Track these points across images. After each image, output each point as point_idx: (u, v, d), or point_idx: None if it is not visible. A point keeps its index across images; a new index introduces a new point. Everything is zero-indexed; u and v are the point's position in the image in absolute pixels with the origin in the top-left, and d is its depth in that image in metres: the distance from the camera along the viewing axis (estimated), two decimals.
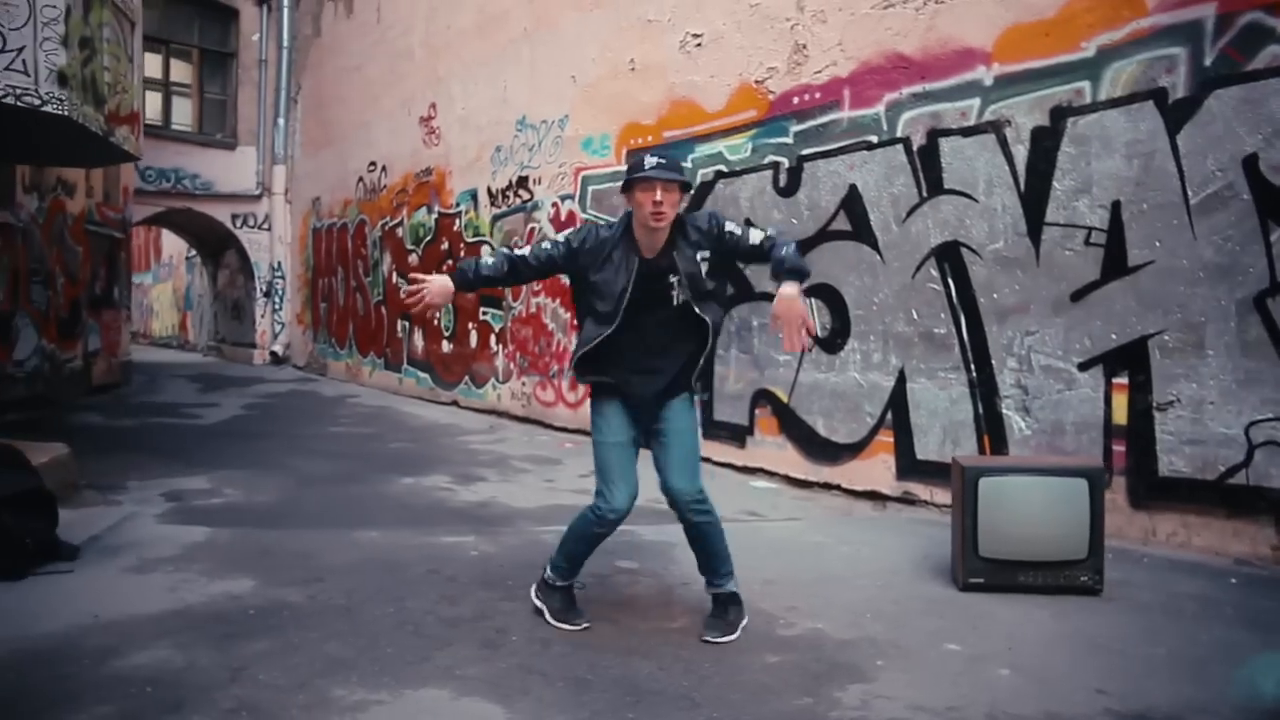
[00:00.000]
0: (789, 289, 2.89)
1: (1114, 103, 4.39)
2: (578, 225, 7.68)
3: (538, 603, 3.31)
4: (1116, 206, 4.39)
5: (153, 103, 14.26)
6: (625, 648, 3.02)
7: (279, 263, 14.92)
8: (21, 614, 3.19)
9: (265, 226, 14.81)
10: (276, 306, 15.02)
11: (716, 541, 3.21)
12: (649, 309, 3.01)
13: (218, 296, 17.13)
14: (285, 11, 14.42)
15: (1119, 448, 4.40)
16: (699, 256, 3.00)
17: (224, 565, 3.86)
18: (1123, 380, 4.40)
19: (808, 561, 4.19)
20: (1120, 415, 4.41)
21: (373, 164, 12.21)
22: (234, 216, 14.59)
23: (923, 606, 3.49)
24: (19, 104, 3.72)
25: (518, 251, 3.16)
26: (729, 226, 3.05)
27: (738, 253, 3.11)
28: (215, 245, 16.20)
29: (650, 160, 2.95)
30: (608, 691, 2.65)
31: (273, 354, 15.05)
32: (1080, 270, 4.53)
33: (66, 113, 3.86)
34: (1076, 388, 4.56)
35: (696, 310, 3.01)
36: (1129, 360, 4.37)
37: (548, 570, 3.33)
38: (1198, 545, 4.17)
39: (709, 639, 3.08)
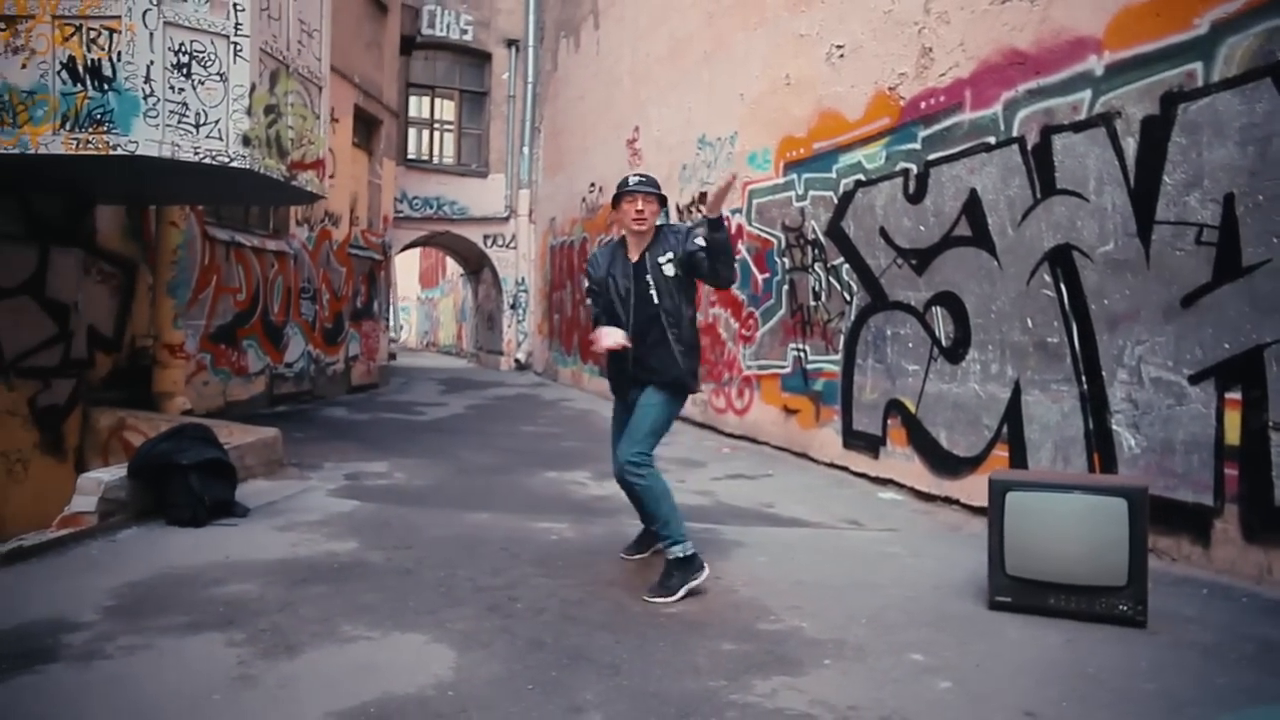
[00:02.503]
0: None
1: (1227, 84, 3.93)
2: (744, 243, 8.00)
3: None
4: (1229, 200, 3.92)
5: (423, 140, 16.50)
6: (603, 623, 3.33)
7: (523, 278, 16.53)
8: (183, 550, 4.15)
9: (512, 245, 16.48)
10: (520, 318, 16.64)
11: (650, 505, 3.72)
12: (643, 307, 3.66)
13: (477, 309, 19.28)
14: (531, 51, 16.01)
15: (1231, 471, 3.92)
16: (664, 258, 3.70)
17: (345, 531, 4.66)
18: (1235, 395, 3.91)
19: (858, 570, 4.18)
20: (1233, 435, 3.92)
21: (592, 185, 13.23)
22: (485, 237, 16.41)
23: (928, 619, 3.43)
24: (214, 163, 4.78)
25: (596, 311, 3.89)
26: (698, 241, 3.61)
27: (698, 271, 3.69)
28: (474, 263, 18.27)
29: (633, 178, 3.71)
30: (552, 654, 2.99)
31: (517, 361, 16.68)
32: (1191, 272, 4.08)
33: (249, 166, 4.87)
34: (1187, 403, 4.11)
35: (654, 299, 3.64)
36: (1243, 372, 3.87)
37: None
38: None
39: (645, 598, 3.56)
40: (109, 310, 6.86)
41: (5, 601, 3.35)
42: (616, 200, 3.74)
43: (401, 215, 14.90)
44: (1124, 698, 2.70)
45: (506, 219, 16.42)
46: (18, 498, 5.79)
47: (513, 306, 16.67)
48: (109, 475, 4.54)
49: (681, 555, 3.64)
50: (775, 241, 7.82)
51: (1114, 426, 4.47)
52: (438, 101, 16.39)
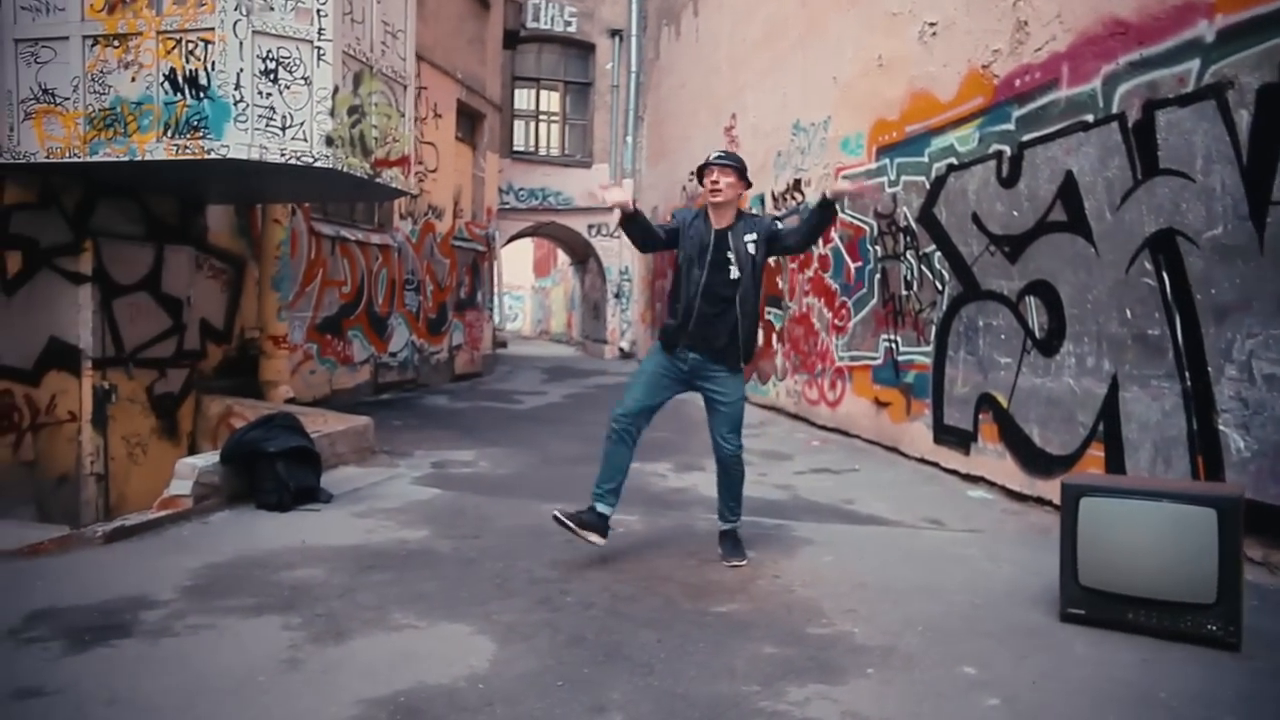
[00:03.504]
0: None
1: None
2: (837, 231, 7.81)
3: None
4: None
5: (528, 132, 16.80)
6: (649, 620, 3.31)
7: (626, 267, 16.62)
8: (265, 534, 4.38)
9: (616, 235, 16.56)
10: (624, 306, 16.75)
11: (740, 485, 4.17)
12: (716, 273, 3.83)
13: (584, 298, 19.53)
14: (634, 40, 16.02)
15: None
16: (747, 238, 3.93)
17: (420, 519, 4.81)
18: None
19: (927, 573, 4.00)
20: None
21: (692, 173, 13.11)
22: (589, 227, 16.57)
23: (990, 629, 3.25)
24: (299, 163, 5.00)
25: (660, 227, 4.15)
26: (781, 226, 4.06)
27: (777, 242, 4.05)
28: (581, 253, 18.50)
29: (714, 154, 4.07)
30: (590, 651, 2.99)
31: (621, 349, 16.81)
32: None
33: (331, 165, 5.07)
34: None
35: (731, 272, 3.84)
36: None
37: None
38: None
39: (731, 564, 3.99)
40: (219, 304, 7.31)
41: (99, 577, 3.62)
42: (700, 177, 4.02)
43: (507, 206, 15.22)
44: None
45: (609, 208, 16.48)
46: (138, 478, 6.25)
47: (616, 295, 16.80)
48: (203, 461, 4.84)
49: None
50: (867, 229, 7.56)
51: (1221, 427, 4.10)
52: (543, 93, 16.64)
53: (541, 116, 16.76)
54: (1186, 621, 3.08)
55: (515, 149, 15.95)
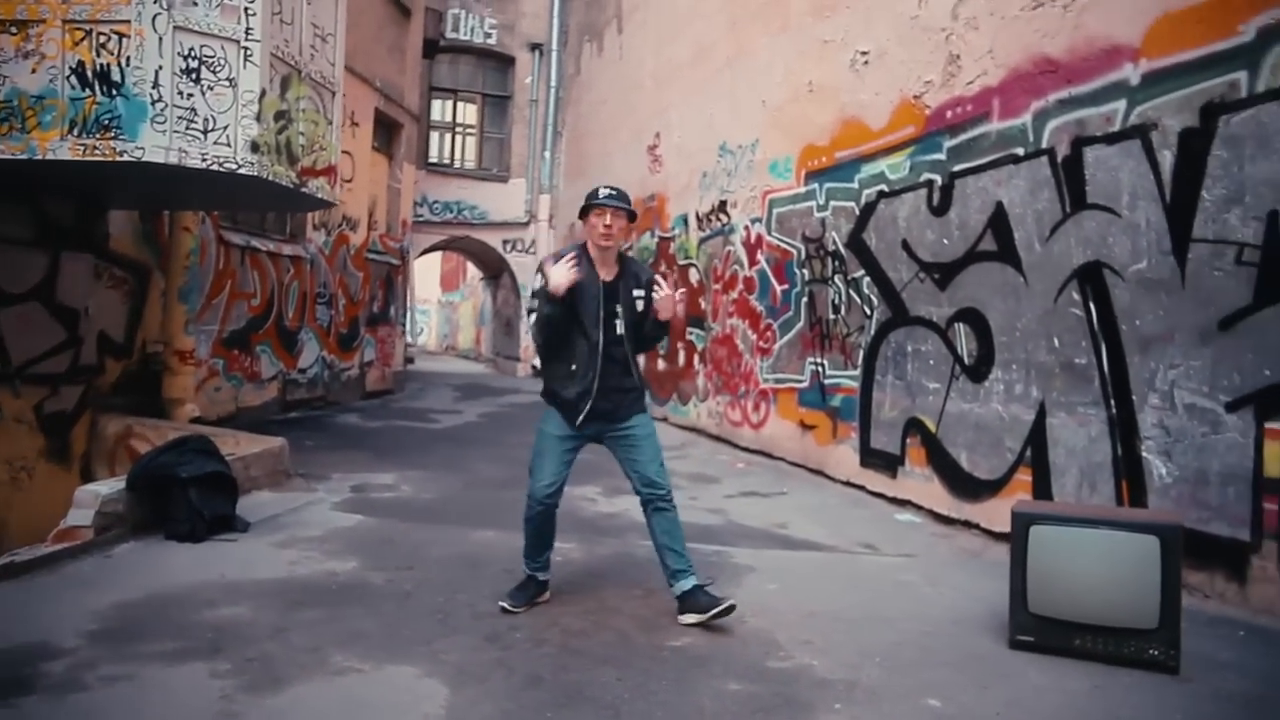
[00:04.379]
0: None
1: (1273, 94, 3.73)
2: (764, 253, 7.82)
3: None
4: (1273, 218, 3.72)
5: (444, 144, 16.47)
6: (606, 657, 3.19)
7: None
8: (180, 567, 4.05)
9: (531, 250, 16.39)
10: None
11: (679, 528, 3.69)
12: (610, 331, 3.46)
13: (496, 314, 19.21)
14: (554, 55, 15.92)
15: (1271, 506, 3.71)
16: (637, 292, 3.55)
17: (346, 549, 4.55)
18: (1276, 425, 3.70)
19: (873, 600, 4.01)
20: (1273, 467, 3.71)
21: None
22: (504, 242, 16.32)
23: (946, 659, 3.26)
24: (220, 169, 4.70)
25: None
26: (656, 291, 3.55)
27: (642, 320, 3.58)
28: (494, 268, 18.21)
29: (604, 191, 3.55)
30: (549, 692, 2.85)
31: (533, 367, 16.57)
32: (1230, 293, 3.88)
33: (257, 173, 4.78)
34: (1223, 431, 3.90)
35: (618, 328, 3.49)
36: None
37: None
38: None
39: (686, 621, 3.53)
40: (120, 316, 6.82)
41: None
42: (584, 212, 3.55)
43: (421, 219, 14.85)
44: None
45: (526, 224, 16.33)
46: (22, 506, 5.74)
47: (530, 312, 16.56)
48: (107, 488, 4.46)
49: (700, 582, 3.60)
50: (795, 252, 7.65)
51: (1144, 454, 4.27)
52: (460, 105, 16.35)
53: (459, 129, 16.46)
54: (1130, 646, 3.16)
55: (431, 161, 15.59)
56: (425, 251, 16.36)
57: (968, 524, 5.42)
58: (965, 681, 3.03)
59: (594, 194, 3.54)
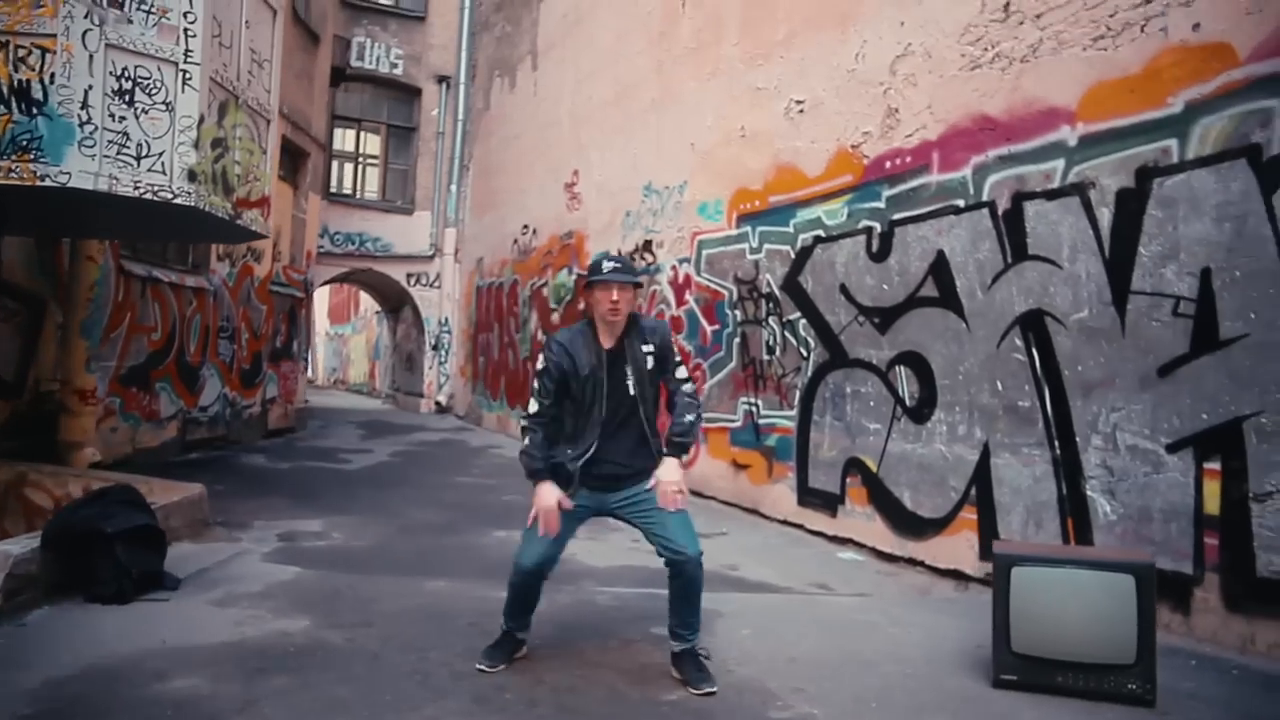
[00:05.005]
0: (671, 468, 3.38)
1: (1203, 161, 4.05)
2: (692, 294, 7.96)
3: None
4: (1206, 274, 4.02)
5: (347, 174, 15.99)
6: (604, 715, 3.08)
7: (446, 318, 16.09)
8: (111, 634, 3.68)
9: (436, 285, 16.05)
10: (442, 359, 16.17)
11: (699, 595, 3.49)
12: (616, 397, 3.32)
13: (396, 348, 18.67)
14: (462, 88, 15.76)
15: (1211, 541, 3.96)
16: (646, 348, 3.40)
17: (293, 605, 4.25)
18: (1215, 465, 3.97)
19: (846, 642, 4.05)
20: (1213, 504, 3.97)
21: (525, 227, 13.00)
22: (409, 275, 15.93)
23: (938, 701, 3.30)
24: (155, 198, 4.38)
25: (534, 409, 3.41)
26: (673, 346, 3.51)
27: (665, 373, 3.47)
28: (395, 301, 17.72)
29: (608, 264, 3.36)
30: None
31: (438, 404, 16.16)
32: (1168, 343, 4.16)
33: (194, 204, 4.49)
34: (1165, 471, 4.16)
35: (630, 389, 3.34)
36: (1222, 443, 3.95)
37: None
38: None
39: (694, 691, 3.32)
40: (10, 351, 6.23)
41: None
42: (589, 286, 3.37)
43: (323, 250, 14.32)
44: None
45: (431, 257, 15.99)
46: None
47: (435, 347, 16.19)
48: (18, 547, 4.02)
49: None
50: (726, 293, 7.76)
51: (1089, 492, 4.50)
52: (364, 135, 15.93)
53: (362, 159, 16.01)
54: (1110, 682, 3.29)
55: (332, 191, 15.08)
56: (326, 283, 15.76)
57: (912, 561, 5.56)
58: None
59: (596, 267, 3.35)
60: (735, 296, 7.64)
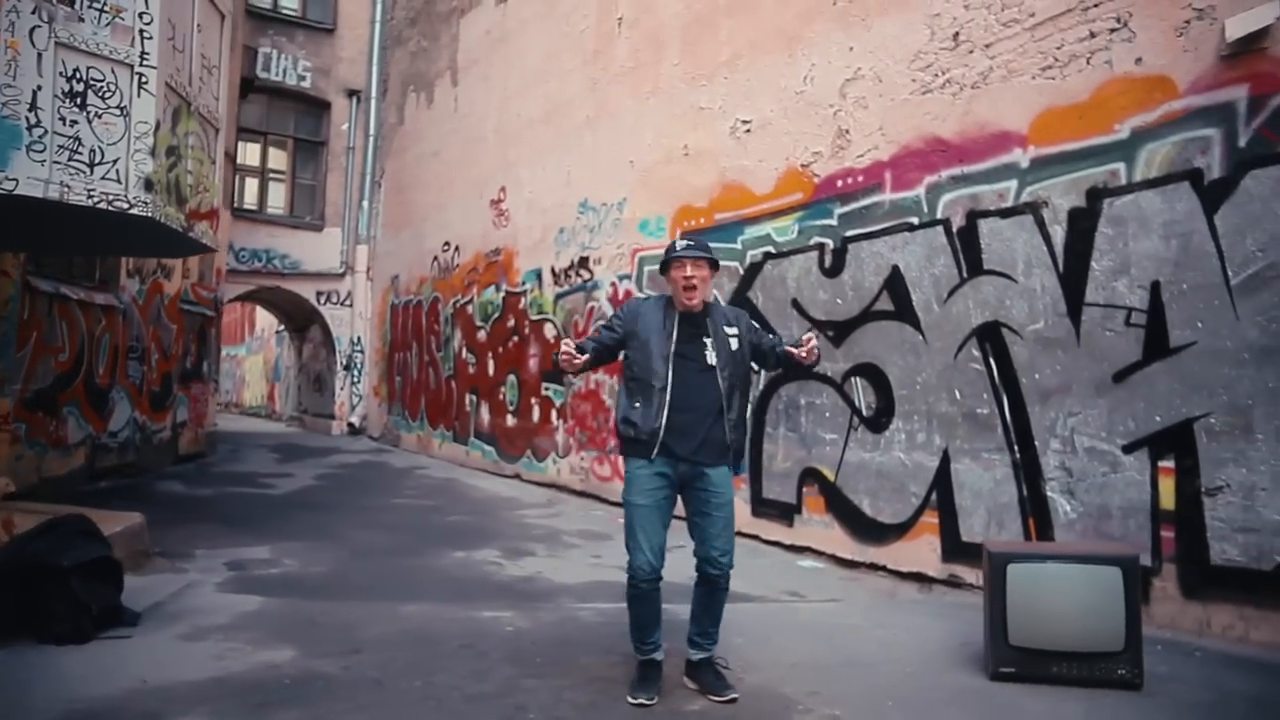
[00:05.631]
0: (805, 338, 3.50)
1: (1150, 184, 4.38)
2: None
3: None
4: (1156, 287, 4.34)
5: (251, 189, 15.34)
6: None
7: (359, 337, 15.60)
8: (80, 677, 3.41)
9: (347, 303, 15.55)
10: (355, 379, 15.65)
11: (722, 604, 3.52)
12: (687, 365, 3.33)
13: (302, 369, 17.96)
14: (373, 103, 15.39)
15: (1168, 534, 4.26)
16: (727, 330, 3.43)
17: (270, 635, 4.04)
18: (1169, 464, 4.28)
19: (839, 645, 4.14)
20: (1168, 500, 4.27)
21: (447, 244, 12.77)
22: (319, 293, 15.38)
23: (947, 696, 3.43)
24: (110, 208, 4.12)
25: (590, 340, 3.50)
26: (754, 326, 3.61)
27: (757, 346, 3.56)
28: (302, 320, 17.06)
29: (681, 243, 3.47)
30: None
31: (350, 425, 15.62)
32: (1122, 351, 4.46)
33: (150, 214, 4.25)
34: (1122, 470, 4.45)
35: (710, 363, 3.35)
36: (1175, 443, 4.26)
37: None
38: (1257, 640, 3.97)
39: (715, 699, 3.36)
40: None
41: None
42: (665, 267, 3.45)
43: (228, 268, 13.65)
44: None
45: (342, 275, 15.49)
46: None
47: (346, 367, 15.65)
48: None
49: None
50: None
51: (1049, 493, 4.76)
52: (270, 149, 15.32)
53: (270, 175, 15.39)
54: (1101, 669, 3.49)
55: (237, 206, 14.43)
56: (231, 301, 15.03)
57: (873, 566, 5.72)
58: (980, 717, 3.19)
59: (672, 248, 3.45)
60: None
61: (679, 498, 3.43)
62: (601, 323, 3.56)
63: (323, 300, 15.44)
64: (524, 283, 10.54)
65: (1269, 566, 3.94)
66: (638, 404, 3.38)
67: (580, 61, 9.46)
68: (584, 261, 9.26)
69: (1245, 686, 3.56)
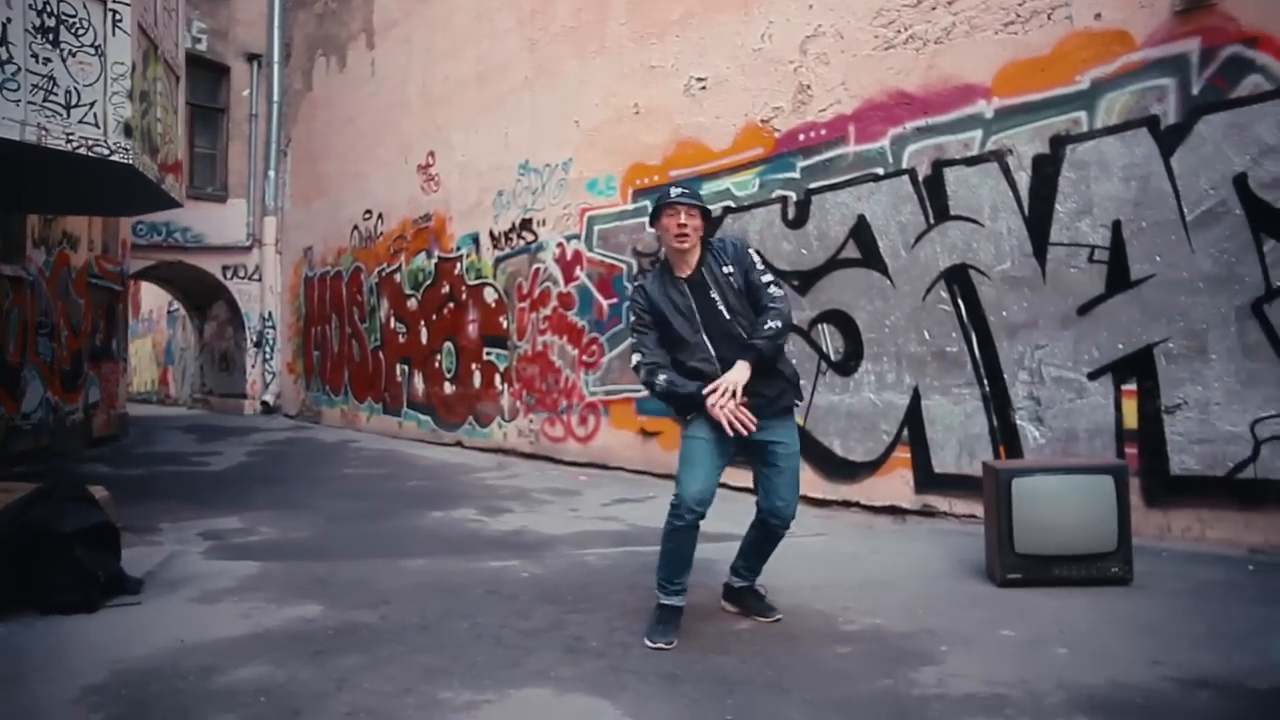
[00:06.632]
0: (739, 369, 3.18)
1: (1110, 130, 4.72)
2: (584, 270, 8.05)
3: None
4: (1117, 225, 4.70)
5: None
6: (701, 647, 3.18)
7: (270, 313, 14.97)
8: (110, 641, 3.27)
9: (256, 277, 14.88)
10: (267, 356, 15.03)
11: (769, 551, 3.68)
12: (714, 324, 3.27)
13: (204, 349, 17.09)
14: (275, 68, 14.69)
15: (1131, 450, 4.65)
16: (727, 269, 3.31)
17: (287, 593, 3.95)
18: (1131, 387, 4.67)
19: (847, 569, 4.36)
20: (1131, 420, 4.67)
21: (368, 212, 12.39)
22: (224, 268, 14.65)
23: (968, 601, 3.68)
24: (90, 154, 3.89)
25: (650, 354, 3.31)
26: (755, 260, 3.38)
27: (750, 287, 3.33)
28: (204, 298, 16.22)
29: (674, 190, 3.35)
30: (700, 684, 2.80)
31: (264, 404, 15.01)
32: (1085, 286, 4.82)
33: (131, 162, 4.03)
34: (1087, 396, 4.82)
35: (724, 312, 3.25)
36: (1136, 368, 4.64)
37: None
38: (1213, 538, 4.40)
39: (763, 619, 3.52)
40: None
41: None
42: (655, 215, 3.36)
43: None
44: (1213, 637, 3.10)
45: (249, 248, 14.79)
46: None
47: (258, 344, 15.00)
48: None
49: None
50: (625, 267, 7.89)
51: (1018, 421, 5.11)
52: None
53: None
54: (1097, 568, 3.82)
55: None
56: (131, 277, 14.12)
57: (846, 503, 5.99)
58: (1003, 616, 3.46)
59: (665, 194, 3.33)
60: (635, 270, 7.79)
61: (742, 454, 3.41)
62: (633, 320, 3.39)
63: (229, 275, 14.72)
64: (459, 248, 10.36)
65: (1222, 472, 4.37)
66: (680, 368, 3.28)
67: (516, 22, 9.31)
68: (527, 224, 9.18)
69: (1212, 575, 3.96)
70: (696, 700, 2.66)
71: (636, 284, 3.46)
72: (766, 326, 3.23)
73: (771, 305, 3.27)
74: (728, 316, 3.28)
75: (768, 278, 3.35)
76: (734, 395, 3.14)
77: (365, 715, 2.56)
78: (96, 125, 3.94)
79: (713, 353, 3.23)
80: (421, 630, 3.41)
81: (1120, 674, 2.78)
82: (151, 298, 21.58)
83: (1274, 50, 4.25)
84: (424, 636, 3.33)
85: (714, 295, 3.30)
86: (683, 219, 3.27)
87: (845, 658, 3.02)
